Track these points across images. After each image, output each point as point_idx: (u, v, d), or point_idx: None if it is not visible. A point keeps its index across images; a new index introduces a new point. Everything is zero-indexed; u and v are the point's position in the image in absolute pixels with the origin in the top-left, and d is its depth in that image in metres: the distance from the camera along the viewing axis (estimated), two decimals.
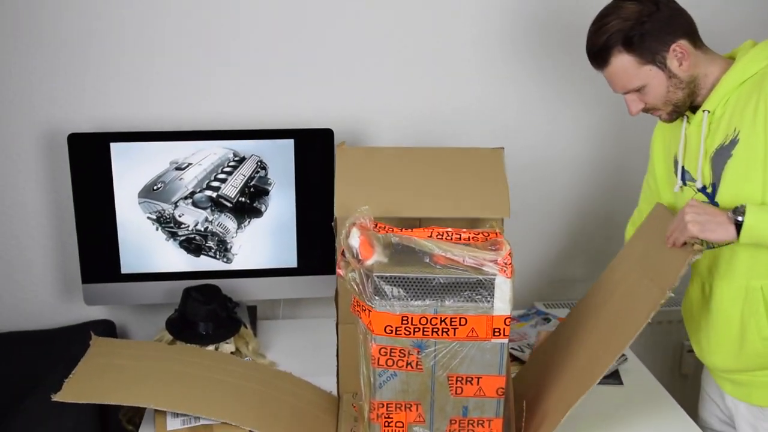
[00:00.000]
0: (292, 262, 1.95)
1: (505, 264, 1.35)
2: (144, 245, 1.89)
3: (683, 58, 1.51)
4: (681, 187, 1.62)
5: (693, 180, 1.59)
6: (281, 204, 1.91)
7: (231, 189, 1.88)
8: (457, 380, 1.40)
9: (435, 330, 1.37)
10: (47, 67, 1.92)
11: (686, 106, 1.56)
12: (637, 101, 1.56)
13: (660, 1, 1.50)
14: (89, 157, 1.82)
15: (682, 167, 1.62)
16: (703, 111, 1.54)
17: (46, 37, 1.90)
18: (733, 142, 1.48)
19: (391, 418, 1.42)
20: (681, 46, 1.50)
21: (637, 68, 1.52)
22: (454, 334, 1.37)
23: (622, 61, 1.51)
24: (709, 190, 1.55)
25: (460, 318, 1.36)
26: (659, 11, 1.49)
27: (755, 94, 1.45)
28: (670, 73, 1.52)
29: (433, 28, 2.03)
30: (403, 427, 1.43)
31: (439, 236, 1.42)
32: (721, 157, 1.51)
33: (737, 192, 1.48)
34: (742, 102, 1.48)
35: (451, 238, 1.42)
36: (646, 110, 1.58)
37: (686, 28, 1.52)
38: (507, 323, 1.37)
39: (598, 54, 1.53)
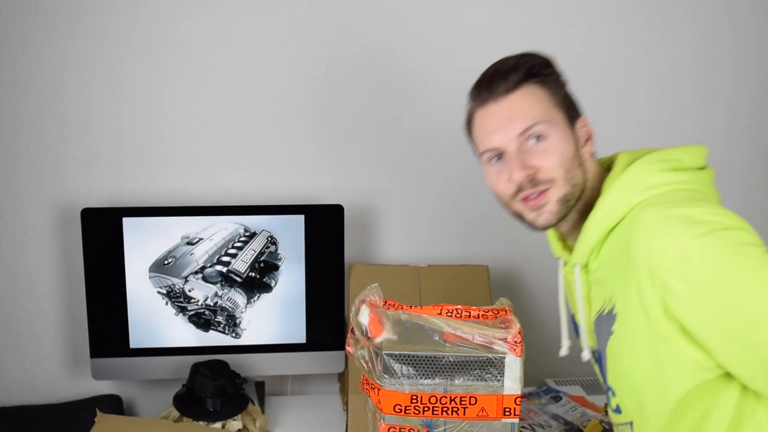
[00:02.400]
0: (300, 337, 1.94)
1: (515, 342, 1.35)
2: (153, 320, 1.89)
3: (589, 137, 1.28)
4: (569, 347, 1.42)
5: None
6: (291, 279, 1.91)
7: (241, 264, 1.89)
8: None
9: (445, 409, 1.35)
10: (60, 143, 1.95)
11: (574, 204, 1.25)
12: (528, 158, 1.22)
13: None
14: (101, 232, 1.84)
15: (572, 315, 1.42)
16: (574, 265, 1.30)
17: (58, 113, 1.94)
18: (611, 316, 1.22)
19: None
20: (586, 122, 1.29)
21: (550, 105, 1.23)
22: (464, 414, 1.36)
23: (535, 91, 1.23)
24: (595, 356, 1.35)
25: (470, 397, 1.35)
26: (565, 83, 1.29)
27: (623, 259, 1.16)
28: (576, 141, 1.26)
29: (443, 108, 2.06)
30: None
31: (449, 313, 1.41)
32: (601, 326, 1.27)
33: (626, 371, 1.23)
34: (613, 260, 1.21)
35: (461, 316, 1.42)
36: (528, 185, 1.23)
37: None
38: (518, 402, 1.36)
39: (508, 73, 1.23)
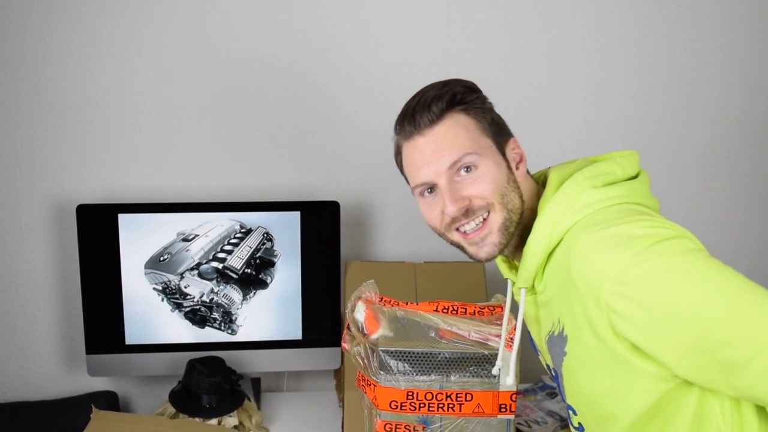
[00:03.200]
0: (296, 334, 1.94)
1: (511, 338, 1.35)
2: (149, 316, 1.89)
3: (521, 159, 1.25)
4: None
5: (539, 353, 1.36)
6: (287, 276, 1.91)
7: (237, 260, 1.89)
8: None
9: (441, 406, 1.36)
10: (56, 139, 1.94)
11: (513, 230, 1.21)
12: (460, 189, 1.19)
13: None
14: (97, 228, 1.83)
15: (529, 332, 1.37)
16: (520, 288, 1.26)
17: (54, 109, 1.93)
18: (562, 338, 1.19)
19: None
20: (518, 144, 1.25)
21: (477, 133, 1.20)
22: (460, 410, 1.36)
23: (460, 120, 1.20)
24: (552, 374, 1.32)
25: (465, 393, 1.35)
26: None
27: (566, 283, 1.13)
28: (508, 165, 1.22)
29: None
30: None
31: (445, 310, 1.41)
32: (554, 347, 1.23)
33: (584, 390, 1.21)
34: (556, 283, 1.18)
35: (457, 312, 1.42)
36: (464, 216, 1.20)
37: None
38: (513, 399, 1.36)
39: (430, 104, 1.20)
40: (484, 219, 1.20)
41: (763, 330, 0.97)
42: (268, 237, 1.89)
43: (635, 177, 1.22)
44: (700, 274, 1.02)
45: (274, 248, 1.90)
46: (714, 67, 2.18)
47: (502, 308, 1.44)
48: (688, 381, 1.09)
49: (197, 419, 1.79)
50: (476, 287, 1.96)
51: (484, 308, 1.43)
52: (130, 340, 1.89)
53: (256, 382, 2.03)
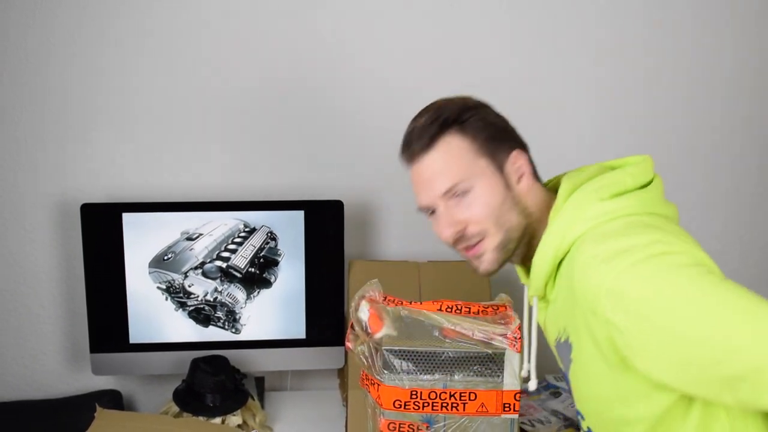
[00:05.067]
0: (300, 333, 1.94)
1: (515, 338, 1.35)
2: (153, 315, 1.89)
3: (522, 173, 1.24)
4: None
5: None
6: (290, 275, 1.91)
7: (241, 259, 1.89)
8: None
9: (444, 405, 1.36)
10: (60, 138, 1.95)
11: (514, 247, 1.24)
12: (455, 214, 1.21)
13: (493, 113, 1.26)
14: (101, 227, 1.83)
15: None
16: (532, 296, 1.29)
17: (58, 108, 1.94)
18: (568, 345, 1.21)
19: None
20: (520, 157, 1.24)
21: (471, 155, 1.20)
22: (464, 409, 1.36)
23: (453, 144, 1.20)
24: (564, 379, 1.36)
25: (469, 393, 1.35)
26: (498, 118, 1.26)
27: (570, 293, 1.14)
28: (507, 182, 1.22)
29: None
30: None
31: (449, 309, 1.41)
32: (561, 353, 1.25)
33: (590, 396, 1.22)
34: (565, 295, 1.19)
35: (461, 311, 1.42)
36: (461, 240, 1.23)
37: (521, 142, 1.27)
38: (517, 398, 1.36)
39: (422, 131, 1.21)
40: (478, 242, 1.22)
41: (760, 342, 0.95)
42: (272, 236, 1.89)
43: (648, 184, 1.21)
44: (694, 290, 1.01)
45: (278, 247, 1.90)
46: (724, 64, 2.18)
47: (505, 308, 1.44)
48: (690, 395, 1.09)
49: (201, 418, 1.79)
50: (480, 286, 1.95)
51: (487, 307, 1.43)
52: (134, 339, 1.89)
53: (259, 381, 2.04)
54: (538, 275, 1.21)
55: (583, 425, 1.30)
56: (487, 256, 1.23)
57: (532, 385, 1.34)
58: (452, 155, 1.20)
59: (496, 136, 1.23)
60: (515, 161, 1.23)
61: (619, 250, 1.06)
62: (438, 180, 1.21)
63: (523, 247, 1.25)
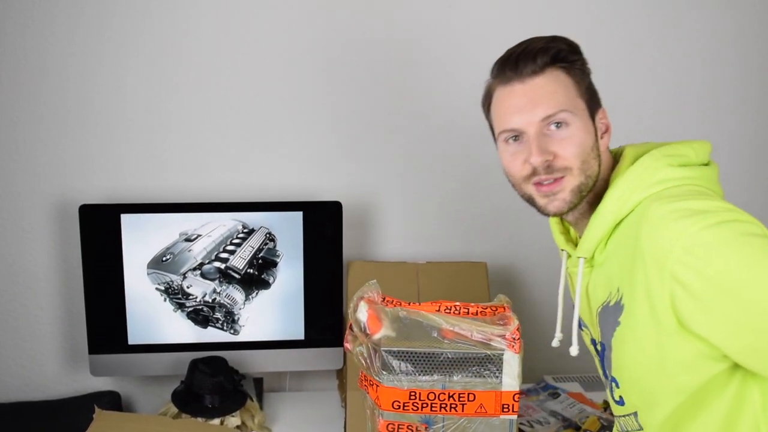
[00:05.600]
0: (299, 334, 1.94)
1: (514, 339, 1.35)
2: (151, 316, 1.89)
3: (607, 129, 1.27)
4: (560, 339, 1.43)
5: (585, 327, 1.39)
6: (289, 276, 1.91)
7: (239, 260, 1.89)
8: None
9: (443, 406, 1.36)
10: (58, 139, 1.94)
11: (585, 195, 1.24)
12: (548, 144, 1.20)
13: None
14: (100, 228, 1.83)
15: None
16: (578, 258, 1.29)
17: (56, 109, 1.93)
18: (619, 307, 1.21)
19: None
20: (606, 115, 1.27)
21: (574, 93, 1.22)
22: (463, 410, 1.36)
23: (560, 78, 1.21)
24: (598, 348, 1.34)
25: (468, 394, 1.35)
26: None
27: (631, 252, 1.15)
28: (595, 132, 1.24)
29: (442, 105, 2.06)
30: None
31: (447, 310, 1.41)
32: (607, 318, 1.25)
33: (631, 362, 1.22)
34: (620, 253, 1.20)
35: (459, 312, 1.42)
36: (546, 170, 1.22)
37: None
38: (516, 399, 1.36)
39: (536, 55, 1.20)
40: (561, 177, 1.21)
41: None
42: (270, 237, 1.89)
43: (706, 165, 1.24)
44: (764, 258, 1.02)
45: (277, 248, 1.90)
46: None
47: (504, 308, 1.43)
48: (738, 364, 1.11)
49: (200, 419, 1.79)
50: (479, 287, 1.96)
51: (486, 308, 1.43)
52: (132, 340, 1.89)
53: (258, 382, 2.03)
54: (595, 235, 1.23)
55: (616, 394, 1.30)
56: (562, 195, 1.22)
57: (574, 350, 1.34)
58: (559, 86, 1.20)
59: (592, 88, 1.26)
60: (603, 117, 1.26)
61: (695, 209, 1.07)
62: (542, 103, 1.20)
63: (585, 203, 1.26)
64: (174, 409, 1.82)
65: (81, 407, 1.91)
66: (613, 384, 1.30)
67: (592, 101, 1.25)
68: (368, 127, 2.05)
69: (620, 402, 1.30)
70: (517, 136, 1.24)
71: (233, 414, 1.82)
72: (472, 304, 1.43)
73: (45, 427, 1.90)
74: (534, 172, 1.22)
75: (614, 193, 1.20)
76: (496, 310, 1.43)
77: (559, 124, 1.20)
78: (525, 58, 1.21)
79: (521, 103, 1.21)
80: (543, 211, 1.27)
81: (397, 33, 2.03)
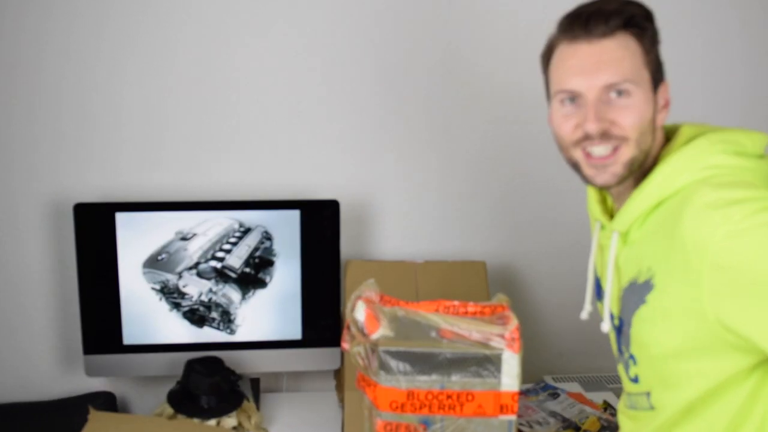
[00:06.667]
0: (296, 334, 1.93)
1: (513, 339, 1.34)
2: (147, 316, 1.87)
3: (667, 104, 1.24)
4: (589, 312, 1.40)
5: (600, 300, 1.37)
6: (286, 275, 1.90)
7: (236, 260, 1.87)
8: None
9: (441, 406, 1.35)
10: (53, 137, 1.93)
11: (636, 168, 1.21)
12: (607, 112, 1.17)
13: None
14: (94, 227, 1.82)
15: (597, 279, 1.38)
16: (613, 232, 1.26)
17: (50, 108, 1.92)
18: (648, 285, 1.18)
19: None
20: (667, 90, 1.24)
21: (640, 62, 1.17)
22: (461, 411, 1.35)
23: (630, 44, 1.17)
24: (616, 323, 1.31)
25: (467, 394, 1.34)
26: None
27: (669, 233, 1.12)
28: (655, 105, 1.20)
29: (441, 104, 2.05)
30: None
31: (446, 310, 1.40)
32: (631, 295, 1.23)
33: (655, 343, 1.20)
34: (659, 233, 1.17)
35: (458, 312, 1.41)
36: (602, 137, 1.18)
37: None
38: (515, 399, 1.35)
39: (609, 16, 1.16)
40: (615, 148, 1.18)
41: None
42: (267, 236, 1.88)
43: (761, 158, 1.20)
44: None
45: (274, 247, 1.89)
46: None
47: (503, 308, 1.42)
48: (762, 361, 1.10)
49: (196, 420, 1.78)
50: (477, 287, 1.95)
51: (485, 308, 1.42)
52: (127, 340, 1.88)
53: (255, 383, 2.02)
54: (634, 209, 1.19)
55: (631, 371, 1.28)
56: (613, 169, 1.19)
57: (605, 326, 1.30)
58: (627, 53, 1.16)
59: (658, 59, 1.21)
60: (664, 90, 1.22)
61: (742, 198, 1.05)
62: (608, 69, 1.15)
63: (632, 177, 1.23)
64: (170, 410, 1.81)
65: (76, 408, 1.90)
66: (631, 361, 1.28)
67: (658, 73, 1.20)
68: (366, 126, 2.04)
69: (635, 380, 1.28)
70: (573, 98, 1.20)
71: (230, 415, 1.81)
72: (471, 303, 1.42)
73: (39, 427, 1.89)
74: (586, 137, 1.18)
75: (663, 170, 1.16)
76: (495, 309, 1.42)
77: (620, 93, 1.16)
78: (597, 18, 1.16)
79: (586, 65, 1.17)
80: (589, 181, 1.24)
81: (393, 32, 2.01)
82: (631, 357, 1.27)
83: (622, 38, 1.15)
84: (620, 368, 1.33)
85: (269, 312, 1.91)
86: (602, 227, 1.32)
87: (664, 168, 1.16)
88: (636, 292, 1.20)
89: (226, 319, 1.90)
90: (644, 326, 1.20)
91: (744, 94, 2.20)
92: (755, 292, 1.02)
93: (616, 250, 1.26)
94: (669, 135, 1.26)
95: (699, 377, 1.16)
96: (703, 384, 1.16)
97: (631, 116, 1.16)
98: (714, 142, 1.16)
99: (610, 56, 1.15)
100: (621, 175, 1.20)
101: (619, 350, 1.32)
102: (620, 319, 1.27)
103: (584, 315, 1.41)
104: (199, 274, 1.87)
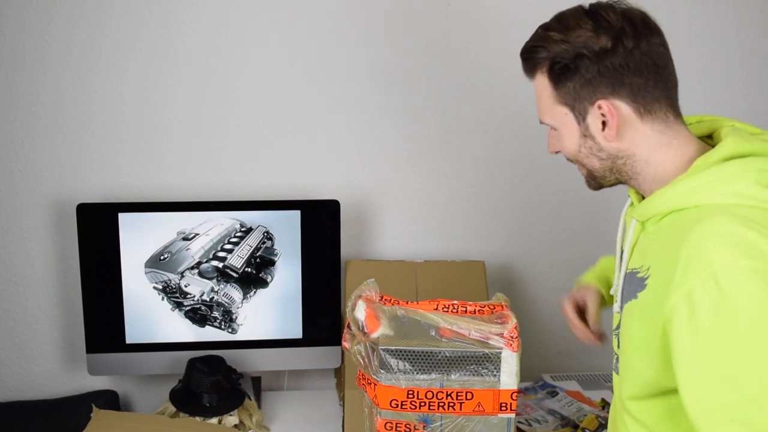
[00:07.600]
0: (297, 333, 1.94)
1: (512, 337, 1.35)
2: (149, 315, 1.88)
3: (609, 123, 1.14)
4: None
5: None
6: (287, 275, 1.91)
7: (237, 259, 1.89)
8: None
9: (441, 404, 1.36)
10: (56, 138, 1.94)
11: (610, 181, 1.23)
12: (553, 141, 1.25)
13: (624, 42, 1.11)
14: (97, 227, 1.83)
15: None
16: (633, 217, 1.23)
17: (53, 108, 1.93)
18: (642, 282, 1.15)
19: None
20: (611, 107, 1.13)
21: (552, 102, 1.19)
22: (461, 409, 1.36)
23: (542, 85, 1.19)
24: (618, 311, 1.27)
25: (466, 392, 1.35)
26: (612, 53, 1.11)
27: (676, 243, 1.06)
28: (586, 132, 1.17)
29: (440, 104, 2.06)
30: None
31: (445, 309, 1.41)
32: (630, 284, 1.20)
33: (632, 336, 1.18)
34: (668, 239, 1.12)
35: (457, 311, 1.42)
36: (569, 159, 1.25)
37: (637, 89, 1.13)
38: (514, 398, 1.36)
39: (525, 60, 1.21)
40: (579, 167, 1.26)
41: None
42: (268, 236, 1.89)
43: None
44: None
45: (275, 247, 1.90)
46: None
47: (502, 307, 1.43)
48: None
49: (198, 418, 1.79)
50: (477, 286, 1.96)
51: (484, 307, 1.43)
52: (130, 339, 1.89)
53: (256, 381, 2.03)
54: (651, 208, 1.16)
55: (616, 351, 1.27)
56: (586, 179, 1.27)
57: (617, 307, 1.28)
58: (542, 91, 1.21)
59: (586, 83, 1.16)
60: (599, 111, 1.16)
61: (753, 246, 0.99)
62: (538, 107, 1.24)
63: (642, 180, 1.20)
64: (172, 408, 1.82)
65: (79, 406, 1.91)
66: (618, 339, 1.26)
67: (579, 98, 1.15)
68: (366, 126, 2.05)
69: (616, 361, 1.27)
70: None
71: (231, 413, 1.82)
72: (470, 302, 1.43)
73: (43, 426, 1.90)
74: None
75: (689, 182, 1.10)
76: (494, 308, 1.43)
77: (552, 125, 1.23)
78: (523, 62, 1.22)
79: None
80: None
81: (394, 32, 2.02)
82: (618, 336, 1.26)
83: (538, 79, 1.20)
84: (614, 342, 1.30)
85: (270, 311, 1.93)
86: (631, 204, 1.28)
87: (690, 181, 1.10)
88: (633, 283, 1.18)
89: (228, 319, 1.91)
90: (630, 319, 1.19)
91: (744, 94, 2.20)
92: (713, 343, 0.99)
93: (634, 234, 1.23)
94: (713, 129, 1.21)
95: (648, 380, 1.15)
96: (652, 384, 1.16)
97: (562, 146, 1.23)
98: (751, 169, 1.08)
99: (536, 95, 1.23)
100: (594, 186, 1.26)
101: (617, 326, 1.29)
102: (621, 308, 1.25)
103: (614, 291, 1.34)
104: (201, 274, 1.88)
